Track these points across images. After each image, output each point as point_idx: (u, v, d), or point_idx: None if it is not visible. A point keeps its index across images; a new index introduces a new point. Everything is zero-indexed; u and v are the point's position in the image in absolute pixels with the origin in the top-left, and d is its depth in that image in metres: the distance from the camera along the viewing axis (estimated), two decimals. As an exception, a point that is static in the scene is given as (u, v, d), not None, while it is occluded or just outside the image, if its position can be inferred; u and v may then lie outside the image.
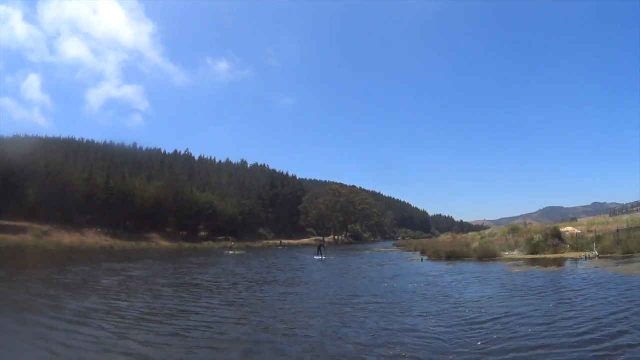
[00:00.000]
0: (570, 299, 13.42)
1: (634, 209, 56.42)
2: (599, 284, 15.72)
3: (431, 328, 10.41)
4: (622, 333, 8.83)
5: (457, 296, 15.22)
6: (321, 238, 79.52)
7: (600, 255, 26.24)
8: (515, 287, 16.30)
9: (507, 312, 11.69)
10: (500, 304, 13.02)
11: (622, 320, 9.98)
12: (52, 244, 56.53)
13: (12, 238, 53.03)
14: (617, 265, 21.31)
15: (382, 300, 15.03)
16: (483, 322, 10.79)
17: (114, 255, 44.88)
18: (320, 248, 44.66)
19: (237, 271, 28.41)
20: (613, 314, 10.80)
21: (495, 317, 11.26)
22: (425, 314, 12.14)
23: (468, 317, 11.43)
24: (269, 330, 10.68)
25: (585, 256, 26.34)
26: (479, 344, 8.80)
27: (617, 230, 31.64)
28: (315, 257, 41.78)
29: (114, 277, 22.81)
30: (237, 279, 23.74)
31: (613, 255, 26.04)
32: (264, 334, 10.29)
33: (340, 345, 9.15)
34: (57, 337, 9.66)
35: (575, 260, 25.60)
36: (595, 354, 7.67)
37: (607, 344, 8.15)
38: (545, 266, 23.78)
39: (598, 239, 29.85)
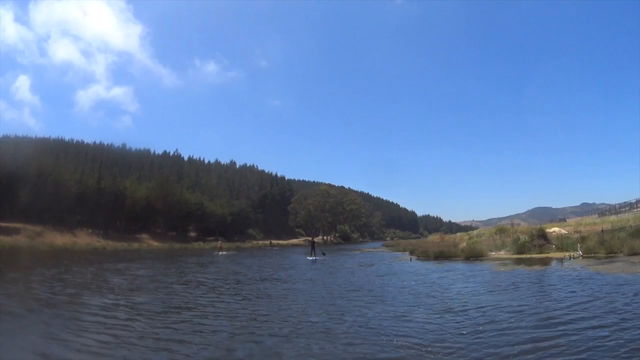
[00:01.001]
0: (546, 292, 14.76)
1: (623, 209, 56.93)
2: (577, 281, 16.81)
3: (421, 316, 11.67)
4: (581, 319, 10.26)
5: (444, 291, 16.35)
6: (309, 239, 79.93)
7: (584, 255, 26.91)
8: (499, 284, 17.45)
9: (489, 303, 12.95)
10: (484, 297, 14.24)
11: (587, 309, 11.38)
12: (45, 244, 57.27)
13: (5, 239, 53.67)
14: (600, 265, 22.17)
15: (376, 294, 16.32)
16: (467, 310, 12.17)
17: (109, 256, 45.43)
18: (312, 248, 44.27)
19: (235, 270, 29.39)
20: (579, 303, 12.24)
21: (479, 306, 12.57)
22: (415, 305, 13.36)
23: (454, 307, 12.68)
24: (287, 319, 11.87)
25: (570, 256, 27.06)
26: (464, 328, 10.03)
27: (602, 231, 32.58)
28: (307, 258, 41.38)
29: (121, 277, 23.60)
30: (238, 277, 24.72)
31: (597, 255, 26.59)
32: (285, 322, 11.40)
33: (344, 328, 10.50)
34: (96, 328, 10.51)
35: (561, 260, 26.27)
36: (553, 332, 9.21)
37: (565, 326, 9.64)
38: (530, 265, 24.52)
39: (583, 239, 30.68)
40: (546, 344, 8.18)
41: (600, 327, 9.42)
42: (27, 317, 11.84)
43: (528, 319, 10.59)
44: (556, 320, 10.26)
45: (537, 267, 23.39)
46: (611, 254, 26.17)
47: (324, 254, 40.64)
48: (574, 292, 14.33)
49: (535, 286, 16.42)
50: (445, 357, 7.88)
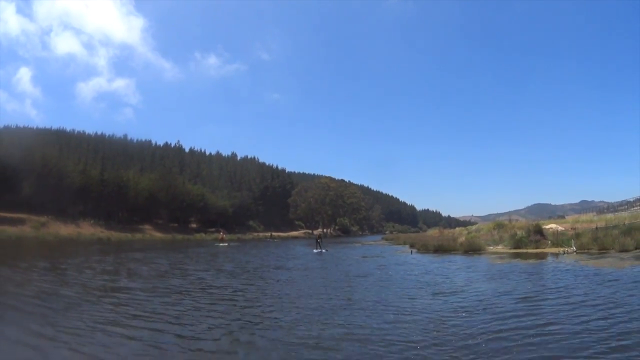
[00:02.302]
0: (533, 280, 16.80)
1: (621, 207, 58.06)
2: (565, 272, 18.64)
3: (425, 296, 13.75)
4: (553, 298, 12.66)
5: (444, 279, 18.27)
6: (319, 231, 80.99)
7: (577, 251, 28.12)
8: (494, 273, 19.29)
9: (482, 288, 15.00)
10: (478, 284, 16.19)
11: (561, 291, 13.78)
12: (50, 235, 58.36)
13: (11, 229, 55.00)
14: (590, 259, 23.63)
15: (383, 280, 18.57)
16: (460, 293, 14.36)
17: (116, 246, 46.73)
18: (318, 241, 43.76)
19: (246, 259, 31.24)
20: (559, 287, 14.49)
21: (474, 290, 14.64)
22: (419, 288, 15.49)
23: (451, 291, 14.81)
24: (314, 295, 14.43)
25: (564, 251, 28.37)
26: (460, 307, 11.79)
27: (596, 228, 33.90)
28: (313, 250, 40.86)
29: (144, 265, 25.11)
30: (253, 265, 26.68)
31: (590, 251, 27.75)
32: (315, 299, 13.50)
33: (364, 303, 12.61)
34: (156, 308, 12.12)
35: (556, 254, 27.64)
36: (525, 305, 11.79)
37: (539, 301, 12.28)
38: (525, 259, 25.89)
39: (577, 235, 31.91)
40: (521, 312, 10.80)
41: (570, 303, 11.70)
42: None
43: (510, 298, 12.83)
44: (535, 298, 12.77)
45: (531, 261, 24.65)
46: (603, 250, 27.26)
47: (322, 250, 40.63)
48: (559, 279, 16.41)
49: (524, 275, 18.35)
50: (444, 327, 9.64)
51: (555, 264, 22.30)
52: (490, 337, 8.60)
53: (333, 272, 22.70)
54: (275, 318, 10.81)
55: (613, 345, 7.69)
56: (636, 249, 26.14)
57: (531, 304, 11.80)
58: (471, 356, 7.46)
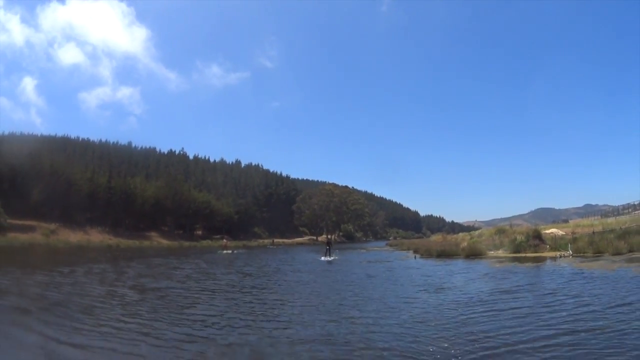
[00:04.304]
0: (522, 279, 19.37)
1: (625, 211, 58.91)
2: (555, 273, 20.90)
3: (424, 294, 15.85)
4: (542, 289, 14.90)
5: (445, 280, 20.61)
6: (327, 236, 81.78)
7: (574, 255, 29.71)
8: (491, 275, 21.52)
9: (478, 287, 17.18)
10: (476, 283, 18.56)
11: (546, 286, 16.22)
12: (60, 242, 59.77)
13: (22, 236, 56.35)
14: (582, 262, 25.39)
15: (391, 280, 21.43)
16: (455, 289, 16.77)
17: (129, 253, 48.62)
18: (328, 248, 42.34)
19: (262, 264, 34.17)
20: (545, 283, 17.28)
21: (470, 288, 16.79)
22: (424, 287, 17.71)
23: (453, 287, 17.36)
24: (344, 287, 17.46)
25: (560, 255, 30.02)
26: (458, 301, 13.94)
27: (593, 233, 35.52)
28: (322, 258, 39.40)
29: (173, 271, 27.22)
30: (269, 269, 29.45)
31: (585, 254, 29.34)
32: (339, 295, 15.72)
33: (381, 297, 15.05)
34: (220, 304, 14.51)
35: (554, 258, 29.25)
36: (510, 295, 14.48)
37: (522, 293, 14.77)
38: (522, 263, 27.56)
39: (574, 240, 33.54)
40: (505, 297, 13.75)
41: (551, 294, 14.51)
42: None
43: (493, 290, 15.77)
44: (516, 288, 15.96)
45: (528, 264, 26.36)
46: (598, 253, 28.80)
47: (330, 258, 39.73)
48: (546, 279, 18.96)
49: (517, 276, 20.71)
50: (445, 314, 11.83)
51: (549, 267, 24.28)
52: (478, 319, 11.02)
53: (347, 274, 25.28)
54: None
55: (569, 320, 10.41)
56: (629, 252, 27.79)
57: (510, 295, 14.75)
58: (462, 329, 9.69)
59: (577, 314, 11.24)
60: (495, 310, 12.33)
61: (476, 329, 10.15)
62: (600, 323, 10.12)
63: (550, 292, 15.01)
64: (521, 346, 8.55)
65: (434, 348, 8.65)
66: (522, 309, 12.23)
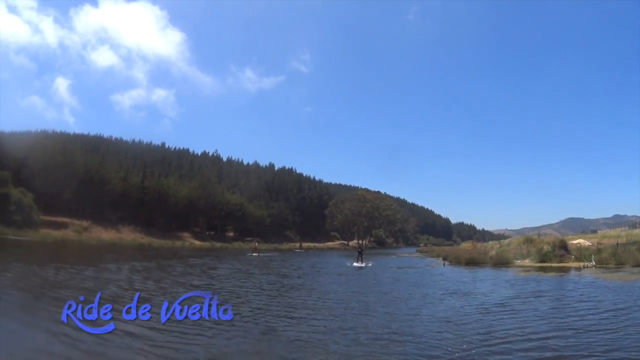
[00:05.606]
0: (543, 286, 21.22)
1: None
2: (575, 283, 22.89)
3: (450, 298, 17.73)
4: (556, 294, 16.61)
5: (470, 286, 22.61)
6: (359, 242, 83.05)
7: (597, 265, 30.96)
8: (514, 283, 23.24)
9: (501, 293, 18.99)
10: (499, 289, 20.49)
11: (560, 294, 17.93)
12: (93, 239, 61.87)
13: (55, 233, 58.33)
14: (604, 273, 26.67)
15: (419, 284, 23.45)
16: (485, 293, 18.62)
17: (162, 252, 50.52)
18: (359, 254, 41.43)
19: (296, 266, 37.10)
20: (564, 290, 18.98)
21: (502, 296, 18.33)
22: (451, 292, 19.64)
23: (480, 292, 19.19)
24: (375, 289, 18.63)
25: (584, 265, 31.27)
26: (482, 303, 15.89)
27: (617, 244, 36.56)
28: (354, 264, 39.04)
29: (215, 271, 29.06)
30: (307, 271, 31.99)
31: (607, 265, 30.66)
32: (377, 293, 17.74)
33: (412, 299, 16.80)
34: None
35: (578, 269, 30.50)
36: (521, 298, 15.45)
37: (539, 299, 15.76)
38: (547, 272, 28.92)
39: (598, 251, 34.65)
40: (518, 307, 14.77)
41: (563, 299, 16.27)
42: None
43: (514, 295, 17.52)
44: (534, 295, 17.56)
45: (552, 274, 27.68)
46: (620, 265, 30.07)
47: (363, 264, 39.11)
48: (564, 288, 21.06)
49: (538, 284, 22.38)
50: (468, 317, 13.67)
51: (571, 277, 25.84)
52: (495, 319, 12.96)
53: (380, 277, 27.98)
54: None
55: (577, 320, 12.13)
56: (650, 264, 28.97)
57: (527, 301, 16.60)
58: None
59: (582, 317, 13.16)
60: (512, 311, 14.38)
61: (494, 325, 12.08)
62: (598, 324, 12.03)
63: (562, 298, 17.02)
64: (532, 341, 10.39)
65: (454, 340, 10.50)
66: (536, 312, 14.14)
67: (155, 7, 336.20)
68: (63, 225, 63.64)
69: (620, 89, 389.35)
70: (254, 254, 51.72)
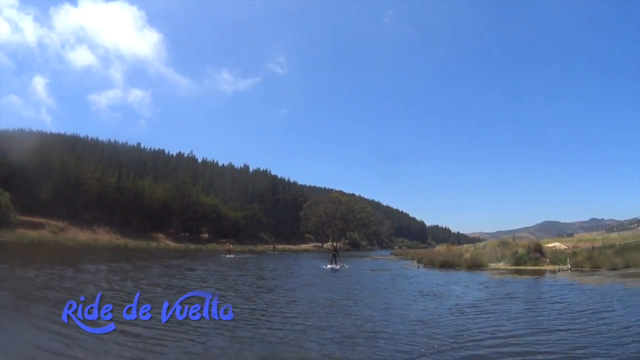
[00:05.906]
0: (516, 289, 21.19)
1: (631, 225, 59.90)
2: (548, 285, 22.79)
3: (427, 298, 17.38)
4: (529, 296, 16.25)
5: (443, 287, 22.33)
6: (333, 244, 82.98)
7: (572, 269, 30.96)
8: (488, 286, 23.11)
9: (472, 295, 18.93)
10: (471, 291, 20.46)
11: (533, 296, 17.76)
12: (69, 240, 61.26)
13: (31, 233, 57.83)
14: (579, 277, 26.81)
15: (393, 286, 23.26)
16: (459, 295, 18.46)
17: (138, 253, 50.03)
18: (334, 256, 41.09)
19: (271, 267, 36.92)
20: (535, 292, 19.02)
21: (476, 298, 18.07)
22: (425, 294, 19.37)
23: (453, 294, 18.98)
24: (349, 291, 17.84)
25: (559, 269, 31.28)
26: (455, 305, 15.46)
27: (592, 247, 36.81)
28: (327, 266, 38.82)
29: (191, 272, 28.77)
30: (278, 272, 31.92)
31: (583, 269, 30.60)
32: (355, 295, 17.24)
33: (385, 300, 16.42)
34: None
35: (553, 272, 30.52)
36: (495, 299, 15.10)
37: (511, 300, 15.39)
38: (521, 275, 28.88)
39: (573, 254, 34.75)
40: (495, 303, 14.39)
41: (536, 301, 15.72)
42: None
43: (487, 297, 17.32)
44: (507, 297, 17.27)
45: (526, 277, 27.62)
46: (595, 268, 30.03)
47: (337, 266, 38.69)
48: (538, 290, 21.18)
49: (512, 286, 22.43)
50: (441, 317, 13.32)
51: (546, 280, 25.65)
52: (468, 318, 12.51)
53: (349, 280, 26.89)
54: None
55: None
56: (625, 267, 29.06)
57: (499, 302, 16.52)
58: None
59: (553, 318, 13.19)
60: (485, 312, 14.34)
61: (466, 325, 11.99)
62: (570, 326, 11.87)
63: (536, 300, 17.10)
64: (501, 339, 10.39)
65: (427, 339, 10.41)
66: (508, 313, 14.11)
67: (133, 7, 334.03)
68: (39, 226, 63.35)
69: (596, 92, 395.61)
70: (229, 256, 52.37)
